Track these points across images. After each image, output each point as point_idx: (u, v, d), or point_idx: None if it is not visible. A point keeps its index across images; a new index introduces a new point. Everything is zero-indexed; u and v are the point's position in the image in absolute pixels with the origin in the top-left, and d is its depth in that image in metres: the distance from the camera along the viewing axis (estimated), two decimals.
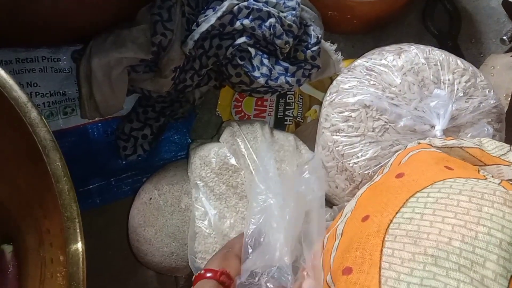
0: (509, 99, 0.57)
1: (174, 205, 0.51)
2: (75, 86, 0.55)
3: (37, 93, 0.54)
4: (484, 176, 0.35)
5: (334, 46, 0.55)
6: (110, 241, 0.58)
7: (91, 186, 0.57)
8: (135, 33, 0.49)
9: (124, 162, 0.58)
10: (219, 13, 0.49)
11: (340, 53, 0.56)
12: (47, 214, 0.43)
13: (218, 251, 0.44)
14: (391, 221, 0.31)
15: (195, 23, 0.50)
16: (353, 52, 0.61)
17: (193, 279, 0.41)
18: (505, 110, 0.56)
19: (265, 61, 0.52)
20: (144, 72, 0.52)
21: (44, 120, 0.39)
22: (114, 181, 0.57)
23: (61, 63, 0.55)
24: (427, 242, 0.29)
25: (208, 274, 0.39)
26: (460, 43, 0.61)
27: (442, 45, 0.60)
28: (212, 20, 0.49)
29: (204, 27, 0.49)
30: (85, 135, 0.55)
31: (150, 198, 0.52)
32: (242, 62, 0.51)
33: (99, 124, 0.56)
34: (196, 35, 0.49)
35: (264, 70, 0.51)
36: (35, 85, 0.54)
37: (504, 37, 0.58)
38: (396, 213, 0.32)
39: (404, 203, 0.32)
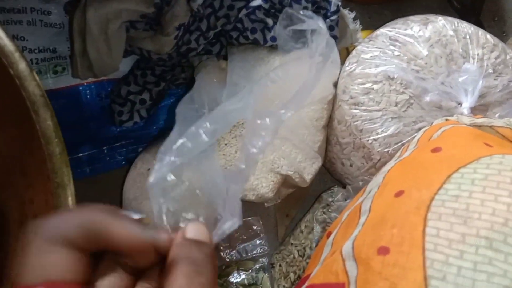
0: None
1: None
2: (67, 44, 0.49)
3: (25, 48, 0.48)
4: None
5: (352, 14, 0.51)
6: None
7: (81, 154, 0.52)
8: None
9: (118, 129, 0.53)
10: None
11: (358, 22, 0.52)
12: (31, 182, 0.39)
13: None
14: (433, 198, 0.28)
15: None
16: (370, 23, 0.57)
17: None
18: None
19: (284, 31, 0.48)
20: (145, 30, 0.47)
21: (34, 73, 0.34)
22: (106, 150, 0.53)
23: (51, 17, 0.50)
24: (479, 222, 0.25)
25: None
26: (482, 20, 0.57)
27: (464, 20, 0.56)
28: None
29: None
30: (76, 97, 0.50)
31: (149, 169, 0.48)
32: (253, 36, 0.47)
33: (92, 86, 0.51)
34: None
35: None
36: (22, 38, 0.48)
37: None
38: (438, 189, 0.28)
39: (447, 178, 0.29)
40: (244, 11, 0.46)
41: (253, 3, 0.46)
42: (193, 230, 0.24)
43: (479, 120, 0.39)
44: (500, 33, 0.58)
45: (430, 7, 0.58)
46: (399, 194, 0.30)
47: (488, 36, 0.46)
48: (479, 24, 0.56)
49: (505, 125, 0.39)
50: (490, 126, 0.39)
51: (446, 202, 0.27)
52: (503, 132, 0.38)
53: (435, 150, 0.33)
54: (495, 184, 0.27)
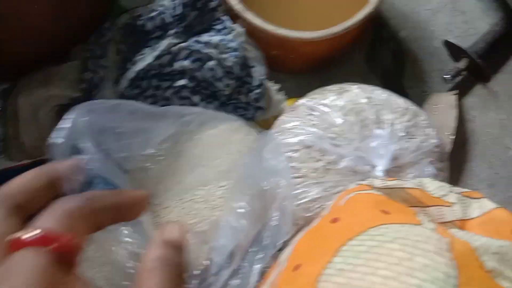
0: (451, 138, 0.57)
1: (106, 255, 0.47)
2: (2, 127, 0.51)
3: None
4: (419, 221, 0.33)
5: (277, 86, 0.54)
6: None
7: None
8: (65, 70, 0.46)
9: None
10: (156, 53, 0.47)
11: (283, 93, 0.55)
12: None
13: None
14: (321, 273, 0.29)
15: (131, 62, 0.48)
16: (300, 91, 0.60)
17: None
18: (449, 149, 0.57)
19: (210, 106, 0.51)
20: None
21: None
22: None
23: None
24: None
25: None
26: (404, 82, 0.61)
27: (386, 85, 0.60)
28: (149, 59, 0.47)
29: (140, 66, 0.47)
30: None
31: None
32: None
33: (28, 167, 0.52)
34: (131, 74, 0.47)
35: None
36: None
37: (446, 76, 0.59)
38: (327, 263, 0.30)
39: (337, 251, 0.30)
40: (170, 90, 0.49)
41: (178, 83, 0.49)
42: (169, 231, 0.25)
43: (391, 183, 0.41)
44: (421, 93, 0.61)
45: (355, 72, 0.62)
46: (296, 268, 0.31)
47: (400, 100, 0.49)
48: (401, 86, 0.60)
49: (415, 186, 0.41)
50: (401, 188, 0.41)
51: (332, 277, 0.28)
52: (413, 193, 0.40)
53: (334, 220, 0.34)
54: (376, 257, 0.28)
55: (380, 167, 0.45)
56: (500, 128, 0.61)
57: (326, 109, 0.48)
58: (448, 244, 0.27)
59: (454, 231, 0.29)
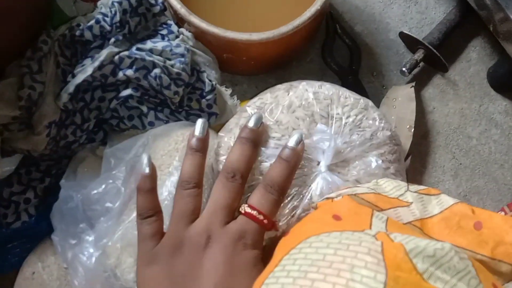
0: (412, 130, 0.56)
1: (61, 279, 0.45)
2: None
3: None
4: (369, 225, 0.32)
5: (229, 91, 0.53)
6: None
7: None
8: (1, 88, 0.44)
9: (8, 230, 0.51)
10: (96, 63, 0.45)
11: (235, 97, 0.53)
12: None
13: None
14: (263, 281, 0.28)
15: (71, 74, 0.46)
16: (257, 92, 0.59)
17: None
18: (410, 141, 0.56)
19: (160, 115, 0.49)
20: (20, 130, 0.47)
21: None
22: None
23: None
24: None
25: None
26: (362, 77, 0.60)
27: (343, 80, 0.59)
28: (89, 70, 0.45)
29: (80, 78, 0.45)
30: None
31: (33, 273, 0.46)
32: (131, 123, 0.48)
33: None
34: (71, 87, 0.45)
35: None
36: None
37: (403, 69, 0.58)
38: (270, 272, 0.28)
39: (280, 260, 0.29)
40: (115, 101, 0.47)
41: (123, 93, 0.47)
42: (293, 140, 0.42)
43: (344, 191, 0.40)
44: (380, 87, 0.61)
45: (312, 70, 0.61)
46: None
47: (349, 94, 0.48)
48: (358, 81, 0.59)
49: (369, 190, 0.40)
50: (355, 194, 0.39)
51: (269, 285, 0.27)
52: (367, 198, 0.39)
53: (285, 233, 0.33)
54: (310, 262, 0.27)
55: (324, 162, 0.43)
56: (460, 118, 0.60)
57: (273, 107, 0.46)
58: (380, 246, 0.26)
59: (395, 235, 0.28)
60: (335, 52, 0.60)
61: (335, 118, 0.45)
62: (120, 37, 0.47)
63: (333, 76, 0.60)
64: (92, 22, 0.46)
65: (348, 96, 0.47)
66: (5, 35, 0.43)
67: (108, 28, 0.46)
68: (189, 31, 0.51)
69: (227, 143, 0.46)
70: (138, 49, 0.46)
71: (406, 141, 0.55)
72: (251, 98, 0.55)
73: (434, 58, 0.59)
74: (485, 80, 0.62)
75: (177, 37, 0.50)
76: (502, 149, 0.60)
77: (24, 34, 0.45)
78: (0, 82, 0.44)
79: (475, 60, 0.62)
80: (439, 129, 0.60)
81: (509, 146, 0.60)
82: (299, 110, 0.45)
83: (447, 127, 0.60)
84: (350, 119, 0.46)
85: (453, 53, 0.62)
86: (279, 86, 0.49)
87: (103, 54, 0.45)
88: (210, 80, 0.50)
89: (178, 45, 0.48)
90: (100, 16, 0.46)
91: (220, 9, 0.55)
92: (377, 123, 0.47)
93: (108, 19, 0.46)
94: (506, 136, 0.60)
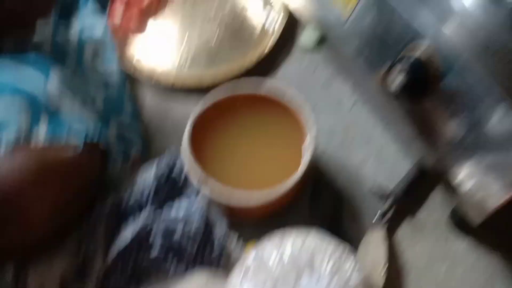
0: (385, 270, 0.68)
1: None
2: None
3: None
4: None
5: (236, 234, 0.67)
6: None
7: None
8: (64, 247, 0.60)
9: None
10: (137, 228, 0.61)
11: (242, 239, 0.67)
12: None
13: None
14: None
15: (116, 237, 0.62)
16: (259, 234, 0.69)
17: None
18: (383, 281, 0.67)
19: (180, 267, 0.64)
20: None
21: None
22: None
23: None
24: None
25: None
26: (344, 224, 0.73)
27: (329, 227, 0.72)
28: (130, 235, 0.61)
29: (123, 242, 0.60)
30: None
31: None
32: None
33: None
34: (116, 248, 0.60)
35: None
36: None
37: (376, 217, 0.72)
38: None
39: None
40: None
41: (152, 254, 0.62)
42: None
43: None
44: (358, 232, 0.73)
45: (303, 215, 0.74)
46: None
47: (328, 242, 0.60)
48: (341, 228, 0.73)
49: None
50: None
51: None
52: None
53: None
54: None
55: None
56: (428, 257, 0.72)
57: (264, 261, 0.59)
58: None
59: None
60: (321, 203, 0.75)
61: (316, 269, 0.57)
62: (155, 205, 0.63)
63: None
64: (133, 191, 0.63)
65: (328, 245, 0.59)
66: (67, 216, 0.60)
67: (146, 197, 0.63)
68: (204, 194, 0.67)
69: None
70: (164, 220, 0.62)
71: (380, 281, 0.67)
72: (255, 239, 0.68)
73: (401, 205, 0.73)
74: (449, 220, 0.74)
75: (194, 202, 0.66)
76: (466, 285, 0.70)
77: (83, 211, 0.62)
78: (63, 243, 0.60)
79: (439, 204, 0.75)
80: (410, 267, 0.71)
81: (472, 282, 0.70)
82: (290, 262, 0.58)
83: (417, 266, 0.71)
84: (328, 267, 0.58)
85: (420, 197, 0.75)
86: (274, 235, 0.62)
87: (142, 219, 0.61)
88: (220, 238, 0.65)
89: (195, 211, 0.64)
90: (141, 187, 0.63)
91: (230, 170, 0.72)
92: (353, 270, 0.59)
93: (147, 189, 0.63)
94: (469, 272, 0.70)
